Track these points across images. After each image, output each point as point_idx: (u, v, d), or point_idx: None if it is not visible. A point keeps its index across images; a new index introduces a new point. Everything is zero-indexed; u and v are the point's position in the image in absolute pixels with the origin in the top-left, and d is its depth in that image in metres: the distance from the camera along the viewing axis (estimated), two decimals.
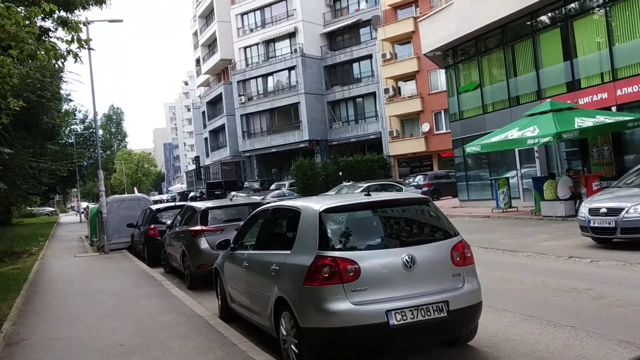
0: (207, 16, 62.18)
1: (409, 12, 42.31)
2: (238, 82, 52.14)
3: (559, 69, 20.31)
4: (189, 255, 11.12)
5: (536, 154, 21.36)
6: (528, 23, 21.41)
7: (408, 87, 42.79)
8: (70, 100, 40.59)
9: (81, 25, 6.68)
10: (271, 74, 50.61)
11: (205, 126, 64.81)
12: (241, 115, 52.03)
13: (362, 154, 43.46)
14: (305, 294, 5.24)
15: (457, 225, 6.18)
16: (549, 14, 20.55)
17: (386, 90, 43.00)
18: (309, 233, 5.51)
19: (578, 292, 7.85)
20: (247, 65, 52.96)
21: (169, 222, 14.81)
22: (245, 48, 53.46)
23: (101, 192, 19.70)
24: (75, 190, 64.59)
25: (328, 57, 49.33)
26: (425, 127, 41.02)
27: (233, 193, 35.25)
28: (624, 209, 10.41)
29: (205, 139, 65.22)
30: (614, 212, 10.54)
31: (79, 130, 51.07)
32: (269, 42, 51.82)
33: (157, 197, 52.49)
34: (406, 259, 5.22)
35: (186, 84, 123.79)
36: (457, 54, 25.80)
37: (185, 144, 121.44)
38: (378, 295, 5.11)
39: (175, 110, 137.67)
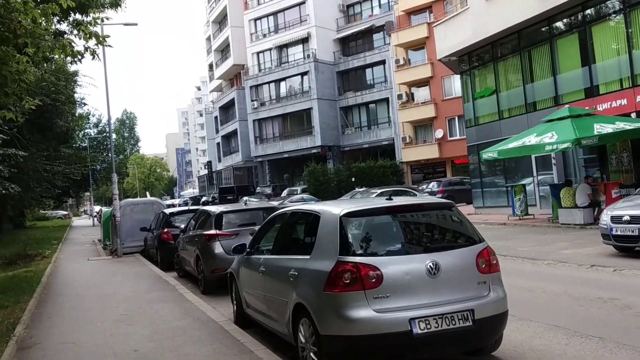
0: (221, 21, 62.38)
1: (423, 18, 42.18)
2: (251, 87, 52.18)
3: (576, 75, 20.02)
4: (203, 260, 10.99)
5: (553, 161, 21.07)
6: (545, 28, 21.16)
7: (421, 93, 42.58)
8: (85, 104, 40.85)
9: (98, 22, 6.58)
10: (284, 79, 50.61)
11: (217, 131, 64.91)
12: (253, 121, 52.04)
13: (375, 160, 43.26)
14: (326, 301, 5.08)
15: None
16: (567, 19, 20.30)
17: (399, 96, 42.83)
18: (329, 238, 5.36)
19: (603, 301, 7.62)
20: (259, 70, 53.01)
21: (182, 226, 14.70)
22: (258, 53, 53.52)
23: (115, 195, 19.65)
24: (88, 193, 64.87)
25: (341, 62, 49.25)
26: (439, 133, 40.78)
27: (246, 198, 35.12)
28: None
29: (218, 144, 65.29)
30: (637, 219, 10.28)
31: (92, 134, 51.34)
32: (281, 48, 51.86)
33: (169, 202, 52.47)
34: (430, 266, 5.05)
35: (199, 89, 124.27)
36: (472, 59, 25.57)
37: (197, 149, 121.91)
38: (401, 303, 4.94)
39: (188, 115, 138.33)
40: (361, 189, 29.38)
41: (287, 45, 51.52)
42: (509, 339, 6.05)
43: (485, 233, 17.64)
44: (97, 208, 62.22)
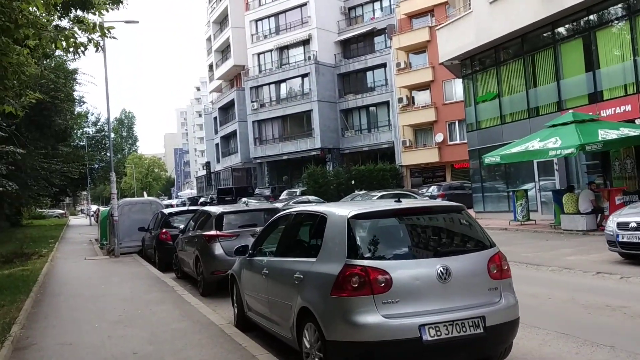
0: (221, 22, 62.25)
1: (425, 22, 42.07)
2: (251, 88, 52.03)
3: (580, 80, 19.91)
4: (202, 261, 10.82)
5: (555, 166, 20.94)
6: (549, 33, 21.05)
7: (422, 97, 42.46)
8: (84, 102, 40.59)
9: (103, 12, 6.40)
10: (284, 80, 50.46)
11: (216, 132, 64.74)
12: (253, 122, 51.88)
13: (375, 163, 43.12)
14: (333, 305, 4.92)
15: None
16: (571, 24, 20.19)
17: (400, 100, 42.70)
18: (336, 240, 5.20)
19: (612, 309, 7.47)
20: (260, 71, 52.88)
21: (181, 226, 14.53)
22: (258, 54, 53.40)
23: (113, 194, 19.48)
24: (86, 193, 64.69)
25: (342, 65, 49.14)
26: (439, 137, 40.65)
27: (245, 199, 34.96)
28: None
29: (217, 144, 65.12)
30: None
31: (90, 132, 51.13)
32: (282, 49, 51.73)
33: (167, 202, 52.27)
34: (441, 271, 4.90)
35: (198, 89, 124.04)
36: (475, 63, 25.46)
37: (195, 149, 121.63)
38: (410, 309, 4.78)
39: (187, 115, 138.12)
40: (361, 192, 29.24)
41: (288, 47, 51.40)
42: (518, 346, 5.90)
43: None
44: (94, 207, 62.05)
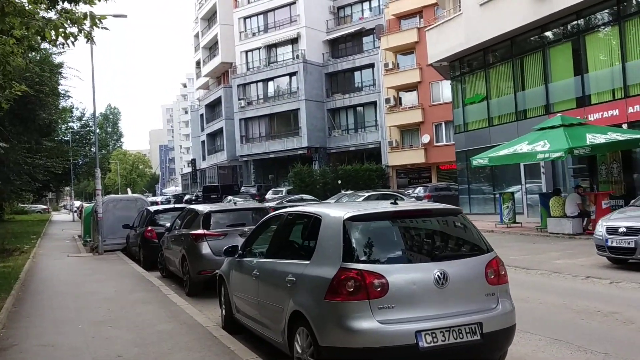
0: (210, 19, 61.85)
1: (413, 23, 42.12)
2: (238, 86, 51.73)
3: (568, 84, 20.01)
4: (189, 260, 10.62)
5: (542, 170, 21.02)
6: (538, 36, 21.13)
7: (409, 98, 42.50)
8: (69, 97, 40.10)
9: (95, 1, 6.15)
10: (272, 79, 50.25)
11: (203, 129, 64.34)
12: (240, 120, 51.59)
13: (361, 163, 43.10)
14: (327, 309, 4.78)
15: None
16: (561, 28, 20.27)
17: (387, 100, 42.68)
18: (331, 242, 5.06)
19: (604, 315, 7.42)
20: (247, 69, 52.60)
21: (167, 224, 14.30)
22: (246, 52, 53.11)
23: (97, 191, 19.16)
24: (69, 188, 63.92)
25: (330, 64, 49.03)
26: (426, 138, 40.70)
27: (230, 197, 34.68)
28: None
29: (203, 142, 64.69)
30: (634, 231, 10.15)
31: (75, 127, 50.48)
32: (270, 47, 51.50)
33: (152, 199, 51.78)
34: (438, 275, 4.79)
35: (185, 86, 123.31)
36: (464, 65, 25.50)
37: (181, 146, 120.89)
38: (407, 314, 4.67)
39: (173, 112, 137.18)
40: (347, 192, 29.12)
41: (276, 45, 51.18)
42: (511, 352, 5.78)
43: None
44: (77, 203, 61.34)
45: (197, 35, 67.19)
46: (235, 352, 6.18)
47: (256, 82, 51.06)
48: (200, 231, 10.55)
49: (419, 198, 29.86)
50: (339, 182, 39.95)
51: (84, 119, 51.97)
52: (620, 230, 10.40)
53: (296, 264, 5.47)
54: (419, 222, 5.38)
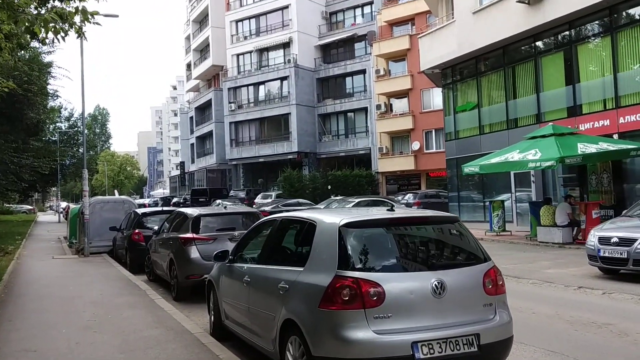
0: (201, 21, 61.62)
1: (405, 30, 42.21)
2: (229, 89, 51.52)
3: (560, 93, 20.04)
4: (177, 265, 10.43)
5: (532, 178, 21.02)
6: (531, 45, 21.17)
7: (400, 105, 42.53)
8: (58, 97, 39.67)
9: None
10: (263, 82, 50.10)
11: (192, 132, 64.01)
12: (230, 123, 51.37)
13: (351, 169, 43.04)
14: (321, 318, 4.64)
15: None
16: (553, 38, 20.31)
17: (378, 107, 42.70)
18: (326, 249, 4.92)
19: (598, 326, 7.34)
20: (239, 72, 52.41)
21: (155, 227, 14.09)
22: (238, 55, 52.92)
23: (85, 192, 18.89)
24: (55, 189, 63.27)
25: (321, 69, 48.97)
26: (416, 145, 40.72)
27: (219, 201, 34.47)
28: (637, 239, 9.97)
29: (192, 144, 64.36)
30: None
31: (63, 128, 50.01)
32: (262, 51, 51.35)
33: (140, 201, 51.35)
34: (435, 285, 4.66)
35: (175, 88, 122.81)
36: (456, 73, 25.51)
37: (170, 148, 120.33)
38: (403, 324, 4.54)
39: (162, 114, 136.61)
40: (337, 198, 28.99)
41: (268, 49, 51.06)
42: None
43: None
44: (63, 204, 60.70)
45: (188, 38, 66.93)
46: None
47: (247, 85, 50.88)
48: (189, 235, 10.37)
49: (408, 205, 29.81)
50: (329, 187, 39.84)
51: (72, 119, 51.59)
52: (613, 240, 10.35)
53: (289, 270, 5.33)
54: (416, 229, 5.26)
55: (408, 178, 42.60)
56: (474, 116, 24.21)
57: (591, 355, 6.12)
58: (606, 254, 10.43)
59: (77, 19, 5.68)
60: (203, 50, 61.23)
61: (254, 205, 33.76)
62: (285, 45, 49.52)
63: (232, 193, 45.03)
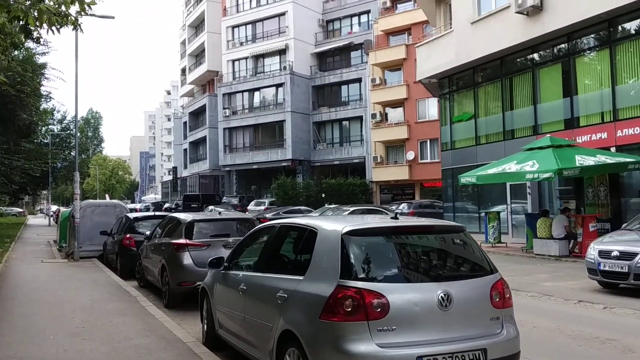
0: (197, 26, 61.52)
1: (402, 39, 42.23)
2: (224, 94, 51.34)
3: (557, 105, 19.97)
4: (169, 271, 10.18)
5: (528, 190, 20.91)
6: (528, 57, 21.12)
7: (395, 114, 42.47)
8: (51, 98, 39.34)
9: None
10: (258, 89, 49.97)
11: (185, 137, 63.73)
12: (224, 129, 51.15)
13: (345, 178, 42.91)
14: (321, 330, 4.44)
15: None
16: (551, 49, 20.26)
17: (373, 115, 42.62)
18: (327, 258, 4.73)
19: (601, 342, 7.17)
20: (234, 78, 52.26)
21: (147, 232, 13.85)
22: (233, 61, 52.80)
23: (76, 195, 18.60)
24: (46, 192, 62.71)
25: (317, 77, 48.92)
26: (410, 155, 40.63)
27: (211, 207, 34.21)
28: (638, 253, 9.83)
29: (185, 150, 64.06)
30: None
31: (55, 130, 49.56)
32: (258, 57, 51.26)
33: (131, 206, 50.95)
34: (441, 297, 4.48)
35: (168, 93, 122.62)
36: (453, 83, 25.45)
37: (162, 153, 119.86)
38: (408, 338, 4.34)
39: (155, 119, 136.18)
40: (332, 206, 28.84)
41: (263, 55, 50.97)
42: None
43: None
44: (54, 207, 60.15)
45: (183, 42, 66.78)
46: None
47: (242, 91, 50.73)
48: (182, 240, 10.14)
49: (402, 214, 29.69)
50: (323, 195, 39.67)
51: (64, 122, 51.12)
52: (614, 254, 10.20)
53: (288, 279, 5.13)
54: (421, 239, 5.08)
55: (402, 188, 42.49)
56: (471, 127, 24.12)
57: None
58: (606, 268, 10.28)
59: (72, 10, 5.47)
60: (198, 55, 61.09)
61: (246, 212, 33.49)
62: (281, 52, 49.45)
63: (224, 199, 44.78)
